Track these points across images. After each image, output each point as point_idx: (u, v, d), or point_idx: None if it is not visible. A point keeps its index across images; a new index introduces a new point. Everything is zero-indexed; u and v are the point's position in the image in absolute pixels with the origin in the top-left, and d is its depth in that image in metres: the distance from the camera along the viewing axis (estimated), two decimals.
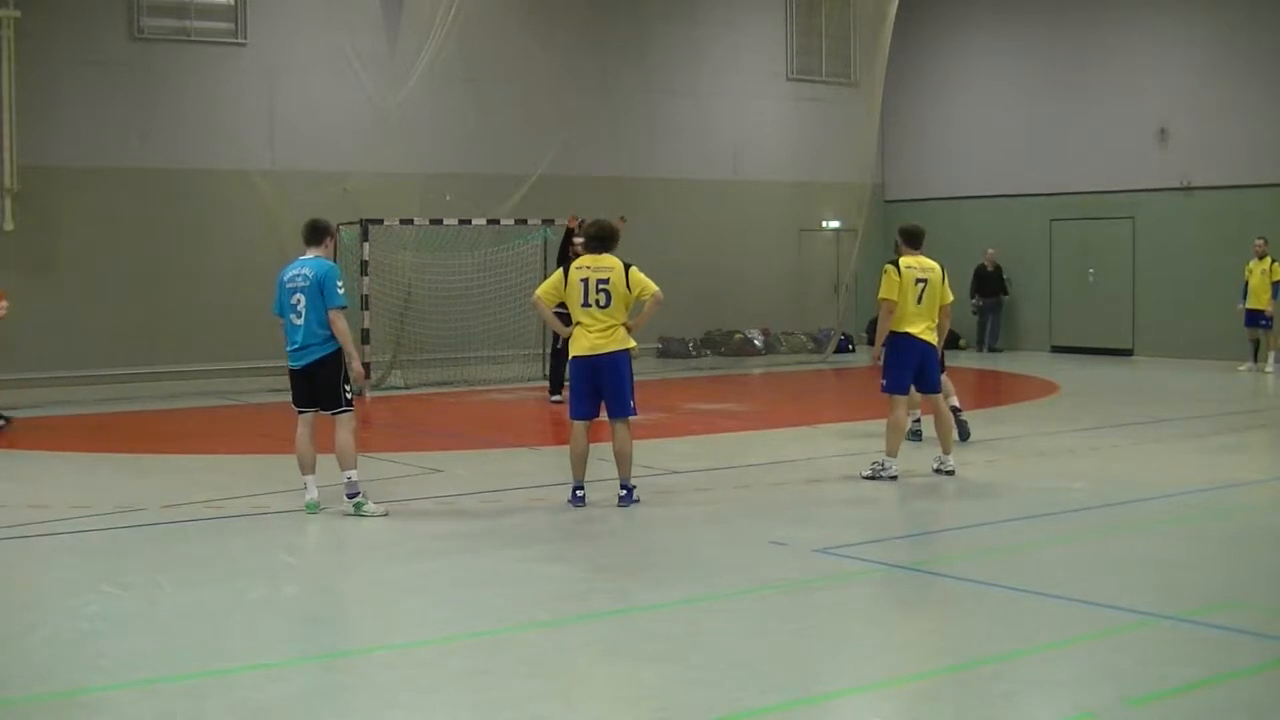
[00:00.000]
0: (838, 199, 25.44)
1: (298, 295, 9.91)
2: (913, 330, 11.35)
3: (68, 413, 16.67)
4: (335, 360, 9.95)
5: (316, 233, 10.16)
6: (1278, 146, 22.02)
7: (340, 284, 9.94)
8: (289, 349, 10.05)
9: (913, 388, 11.75)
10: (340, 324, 9.87)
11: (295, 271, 10.00)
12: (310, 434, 10.09)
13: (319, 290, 9.85)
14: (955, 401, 13.13)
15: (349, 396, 10.03)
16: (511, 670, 6.35)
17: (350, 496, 9.93)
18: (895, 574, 8.34)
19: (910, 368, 11.40)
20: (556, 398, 16.77)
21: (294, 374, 10.10)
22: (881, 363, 11.49)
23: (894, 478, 11.24)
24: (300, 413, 10.12)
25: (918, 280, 11.30)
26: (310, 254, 10.09)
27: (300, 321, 9.92)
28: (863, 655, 6.68)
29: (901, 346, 11.40)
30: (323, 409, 10.03)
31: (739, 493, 10.93)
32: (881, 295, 11.41)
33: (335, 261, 10.31)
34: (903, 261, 11.41)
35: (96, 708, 5.91)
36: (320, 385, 9.98)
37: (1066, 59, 24.61)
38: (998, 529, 9.58)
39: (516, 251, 20.49)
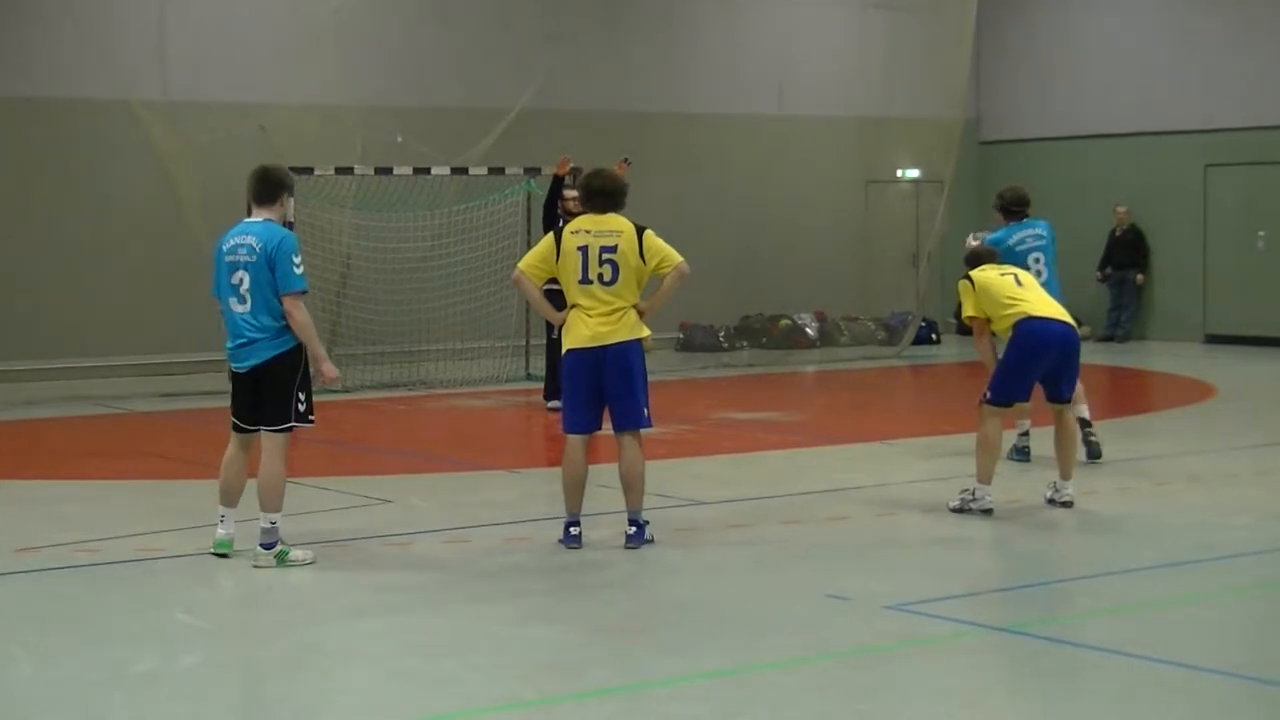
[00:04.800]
0: (917, 140, 25.43)
1: (240, 273, 9.74)
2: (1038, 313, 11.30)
3: None
4: (292, 361, 9.79)
5: (269, 187, 9.94)
6: None
7: (298, 260, 9.77)
8: (229, 345, 9.91)
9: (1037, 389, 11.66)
10: (299, 315, 9.71)
11: (237, 240, 9.83)
12: (245, 459, 9.98)
13: (268, 267, 9.68)
14: (1084, 411, 13.09)
15: (302, 408, 9.86)
16: None
17: (267, 548, 9.76)
18: (993, 638, 8.35)
19: (1031, 368, 11.30)
20: (555, 403, 16.77)
21: (237, 379, 9.94)
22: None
23: (989, 510, 11.25)
24: (238, 430, 10.00)
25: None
26: (259, 216, 9.92)
27: (244, 308, 9.74)
28: None
29: (1022, 338, 11.29)
30: (265, 424, 9.88)
31: (785, 530, 10.95)
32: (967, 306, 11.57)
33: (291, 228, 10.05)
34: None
35: None
36: (265, 394, 9.81)
37: None
38: (1133, 579, 9.59)
39: (490, 210, 20.52)
